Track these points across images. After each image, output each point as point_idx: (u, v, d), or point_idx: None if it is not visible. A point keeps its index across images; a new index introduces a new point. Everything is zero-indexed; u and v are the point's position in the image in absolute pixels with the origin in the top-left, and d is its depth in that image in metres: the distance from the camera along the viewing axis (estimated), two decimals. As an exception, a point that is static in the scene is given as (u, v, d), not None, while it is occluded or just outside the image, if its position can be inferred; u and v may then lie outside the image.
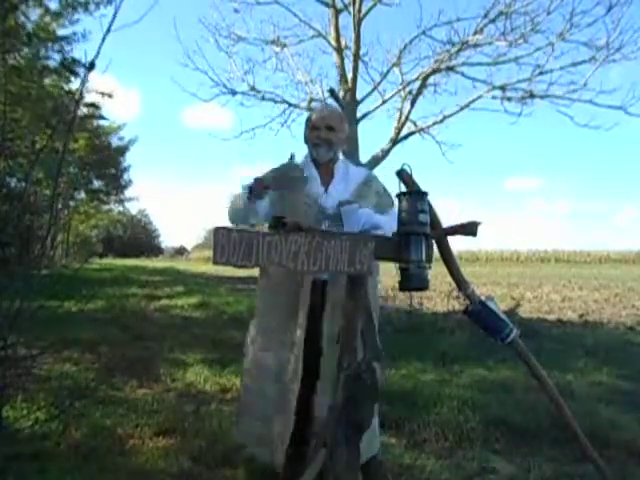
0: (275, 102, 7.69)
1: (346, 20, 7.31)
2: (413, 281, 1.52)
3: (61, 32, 9.46)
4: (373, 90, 7.47)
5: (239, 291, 12.15)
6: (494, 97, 7.03)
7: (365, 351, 1.63)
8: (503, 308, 1.88)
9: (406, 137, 7.48)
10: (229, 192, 2.05)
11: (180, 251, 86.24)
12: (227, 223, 2.00)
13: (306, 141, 2.06)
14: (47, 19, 9.14)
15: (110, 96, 13.86)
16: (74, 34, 9.23)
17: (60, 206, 21.32)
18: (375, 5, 7.13)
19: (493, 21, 6.59)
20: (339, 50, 7.24)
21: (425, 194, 1.58)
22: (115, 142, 26.45)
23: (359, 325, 1.60)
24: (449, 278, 1.71)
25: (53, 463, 2.20)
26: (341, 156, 2.11)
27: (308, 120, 2.07)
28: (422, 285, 1.54)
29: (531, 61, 6.72)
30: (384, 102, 7.53)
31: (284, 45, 7.68)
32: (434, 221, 1.62)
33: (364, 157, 7.09)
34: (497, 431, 2.79)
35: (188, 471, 2.26)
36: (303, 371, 1.82)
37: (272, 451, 1.85)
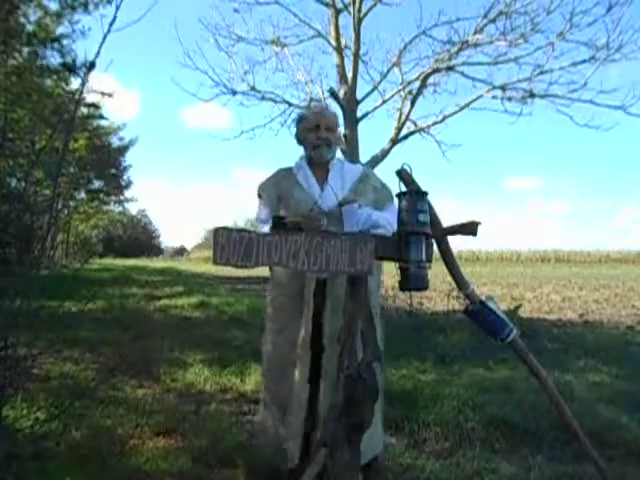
0: (275, 102, 7.69)
1: (346, 20, 7.32)
2: (413, 281, 1.52)
3: (61, 31, 9.47)
4: (373, 90, 7.47)
5: (239, 291, 12.16)
6: (494, 97, 7.02)
7: (365, 351, 1.63)
8: (503, 308, 1.88)
9: (406, 137, 7.48)
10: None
11: (180, 251, 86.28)
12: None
13: (301, 141, 2.05)
14: (47, 20, 9.14)
15: (110, 96, 13.89)
16: (73, 31, 9.23)
17: (60, 206, 21.31)
18: (375, 5, 7.12)
19: (493, 21, 6.59)
20: (339, 50, 7.24)
21: (425, 194, 1.58)
22: (116, 142, 26.51)
23: (359, 325, 1.60)
24: (449, 278, 1.72)
25: (53, 463, 2.20)
26: (336, 155, 2.12)
27: (302, 120, 2.05)
28: (422, 285, 1.54)
29: (531, 61, 6.72)
30: (384, 102, 7.53)
31: (284, 45, 7.68)
32: (434, 221, 1.62)
33: (364, 157, 7.10)
34: (497, 431, 2.79)
35: (188, 471, 2.26)
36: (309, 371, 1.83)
37: (287, 450, 1.87)
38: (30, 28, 9.05)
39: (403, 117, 7.38)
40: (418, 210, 1.53)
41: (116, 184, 29.00)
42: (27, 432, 2.33)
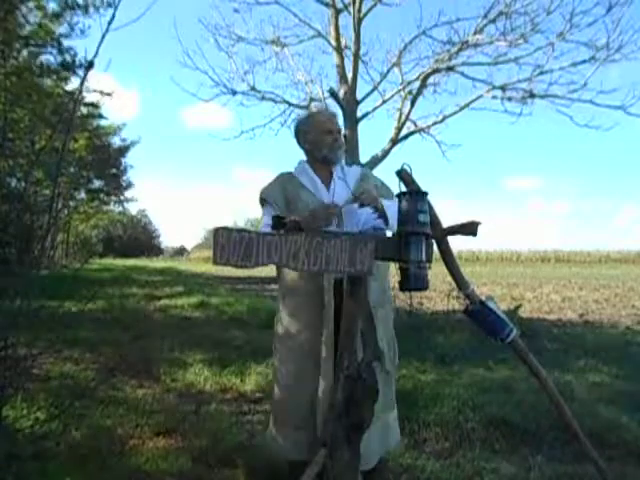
0: (275, 102, 7.69)
1: (346, 20, 7.31)
2: (413, 281, 1.52)
3: (60, 31, 9.47)
4: (373, 90, 7.47)
5: (239, 291, 12.16)
6: (494, 97, 7.02)
7: (365, 351, 1.63)
8: (503, 308, 1.88)
9: (406, 137, 7.48)
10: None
11: (180, 251, 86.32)
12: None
13: (314, 144, 2.03)
14: (46, 20, 9.14)
15: (109, 95, 13.90)
16: (72, 30, 9.23)
17: (60, 206, 21.30)
18: (375, 5, 7.12)
19: (493, 21, 6.58)
20: (339, 50, 7.23)
21: (425, 194, 1.58)
22: (117, 143, 26.50)
23: (359, 325, 1.60)
24: (449, 278, 1.71)
25: (53, 463, 2.20)
26: None
27: (311, 123, 2.05)
28: (422, 285, 1.54)
29: (531, 61, 6.71)
30: (384, 102, 7.52)
31: (284, 45, 7.67)
32: (434, 221, 1.62)
33: (364, 157, 7.09)
34: (497, 431, 2.79)
35: (188, 471, 2.26)
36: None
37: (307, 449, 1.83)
38: (29, 28, 9.06)
39: (403, 117, 7.37)
40: (418, 210, 1.53)
41: (116, 184, 28.97)
42: (27, 432, 2.33)
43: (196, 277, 19.25)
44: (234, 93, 7.59)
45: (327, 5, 7.24)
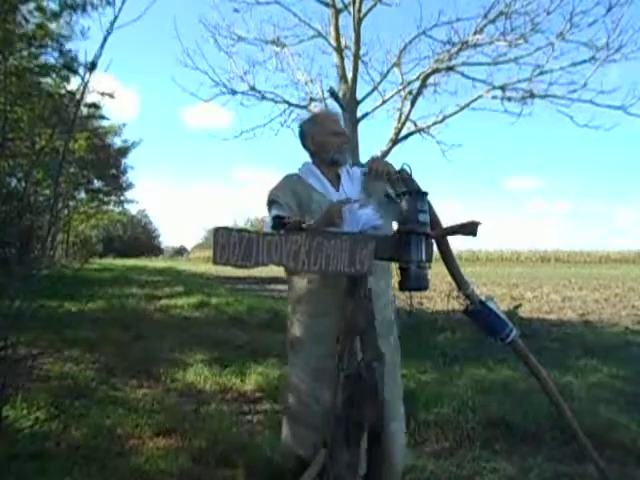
0: (275, 102, 7.68)
1: (346, 20, 7.30)
2: (413, 281, 1.52)
3: (60, 32, 9.47)
4: (373, 90, 7.46)
5: (239, 291, 12.16)
6: (494, 97, 7.02)
7: (365, 351, 1.62)
8: (503, 308, 1.88)
9: (406, 137, 7.48)
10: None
11: (180, 251, 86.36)
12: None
13: (321, 146, 2.03)
14: (45, 21, 9.13)
15: (111, 96, 13.89)
16: (73, 33, 9.23)
17: (60, 206, 21.30)
18: (375, 5, 7.12)
19: (493, 21, 6.58)
20: (339, 50, 7.23)
21: (425, 194, 1.58)
22: (118, 143, 26.50)
23: (359, 325, 1.60)
24: (449, 278, 1.72)
25: (53, 463, 2.20)
26: None
27: (317, 125, 2.04)
28: (422, 285, 1.54)
29: (531, 61, 6.71)
30: (384, 102, 7.52)
31: (284, 45, 7.67)
32: (434, 221, 1.62)
33: (364, 157, 7.09)
34: (497, 431, 2.79)
35: (188, 471, 2.26)
36: None
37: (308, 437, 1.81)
38: (30, 27, 9.05)
39: (403, 117, 7.37)
40: (418, 210, 1.53)
41: (116, 185, 28.97)
42: (27, 432, 2.33)
43: (196, 277, 19.25)
44: (234, 93, 7.59)
45: (327, 5, 7.23)
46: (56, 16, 8.98)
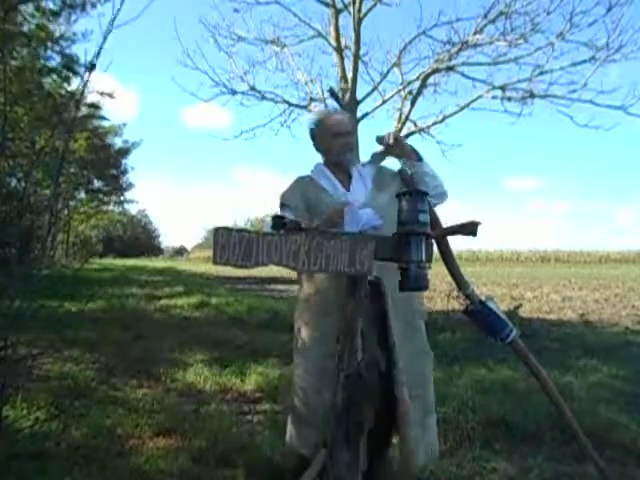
0: (275, 102, 7.68)
1: (346, 20, 7.30)
2: (413, 281, 1.52)
3: (60, 32, 9.49)
4: (373, 90, 7.46)
5: (239, 291, 12.16)
6: (494, 97, 7.01)
7: (365, 351, 1.62)
8: (503, 308, 1.88)
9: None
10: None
11: (180, 251, 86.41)
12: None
13: (326, 148, 2.03)
14: (44, 20, 9.13)
15: (111, 96, 13.89)
16: (74, 34, 9.26)
17: (60, 206, 21.31)
18: (375, 5, 7.12)
19: (493, 21, 6.58)
20: (339, 50, 7.23)
21: (425, 194, 1.58)
22: (119, 144, 26.49)
23: (359, 325, 1.60)
24: (449, 278, 1.72)
25: (53, 463, 2.20)
26: None
27: (321, 127, 2.03)
28: (422, 285, 1.54)
29: (531, 61, 6.70)
30: (384, 102, 7.52)
31: (284, 45, 7.67)
32: (434, 221, 1.62)
33: (364, 157, 7.07)
34: (497, 431, 2.79)
35: (188, 471, 2.26)
36: None
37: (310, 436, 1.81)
38: (29, 29, 9.06)
39: (403, 117, 7.37)
40: (418, 210, 1.53)
41: (116, 185, 28.97)
42: (27, 432, 2.33)
43: (196, 277, 19.25)
44: (234, 93, 7.59)
45: (327, 5, 7.23)
46: (55, 15, 8.98)
